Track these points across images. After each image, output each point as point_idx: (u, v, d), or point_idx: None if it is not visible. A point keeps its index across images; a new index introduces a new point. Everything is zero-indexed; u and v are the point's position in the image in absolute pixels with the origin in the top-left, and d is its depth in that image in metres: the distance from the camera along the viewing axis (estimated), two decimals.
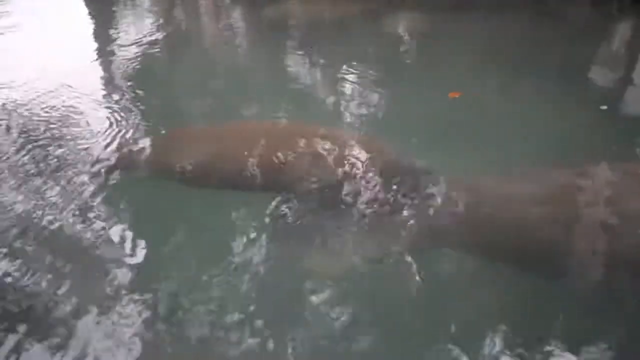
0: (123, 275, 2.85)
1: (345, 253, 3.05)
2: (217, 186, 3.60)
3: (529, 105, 4.83)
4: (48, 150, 4.07)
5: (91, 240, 3.13)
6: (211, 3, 9.85)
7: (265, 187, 3.53)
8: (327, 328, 2.56)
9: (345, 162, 3.60)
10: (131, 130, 4.40)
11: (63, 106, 4.90)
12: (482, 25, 7.71)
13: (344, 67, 5.93)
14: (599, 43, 7.05)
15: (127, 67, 6.18)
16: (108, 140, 4.22)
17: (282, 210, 3.33)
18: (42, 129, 4.45)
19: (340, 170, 3.54)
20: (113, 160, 3.92)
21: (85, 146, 4.15)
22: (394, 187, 3.41)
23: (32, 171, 3.81)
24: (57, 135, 4.35)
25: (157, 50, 7.00)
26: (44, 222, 3.25)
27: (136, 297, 2.71)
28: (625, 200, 3.01)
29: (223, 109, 5.10)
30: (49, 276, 2.85)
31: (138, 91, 5.36)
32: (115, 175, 3.77)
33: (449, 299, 2.75)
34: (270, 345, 2.46)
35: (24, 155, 4.01)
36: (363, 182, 3.47)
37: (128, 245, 3.09)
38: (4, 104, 4.99)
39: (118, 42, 7.32)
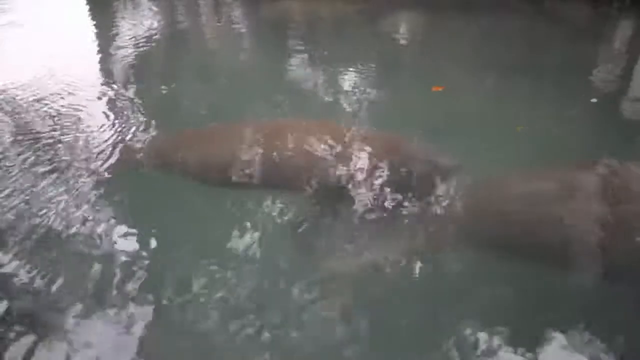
0: (128, 274, 2.82)
1: (364, 253, 3.00)
2: (232, 185, 3.54)
3: (526, 104, 4.84)
4: (49, 149, 4.05)
5: (94, 238, 3.11)
6: (211, 1, 9.84)
7: (282, 185, 3.49)
8: (338, 329, 2.53)
9: (367, 160, 3.53)
10: (133, 128, 4.39)
11: (62, 106, 4.88)
12: (480, 24, 7.72)
13: (343, 65, 5.94)
14: (598, 42, 7.07)
15: (127, 65, 6.17)
16: (107, 139, 4.20)
17: (301, 210, 3.31)
18: (42, 127, 4.43)
19: (360, 168, 3.48)
20: (115, 159, 3.89)
21: (86, 144, 4.13)
22: (418, 185, 3.37)
23: (33, 169, 3.79)
24: (57, 134, 4.33)
25: (156, 47, 7.00)
26: (43, 220, 3.23)
27: (146, 296, 2.69)
28: None
29: (223, 107, 5.09)
30: (51, 276, 2.83)
31: (137, 91, 5.35)
32: (119, 174, 3.75)
33: (470, 301, 2.70)
34: (281, 344, 2.45)
35: (24, 155, 4.00)
36: (384, 180, 3.41)
37: (137, 243, 3.07)
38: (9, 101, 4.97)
39: (117, 41, 7.31)
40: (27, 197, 3.45)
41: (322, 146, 3.60)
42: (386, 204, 3.27)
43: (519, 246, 2.85)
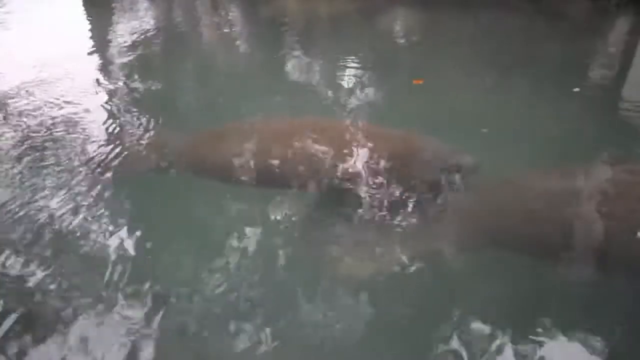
0: (135, 273, 2.83)
1: (383, 253, 2.98)
2: (249, 184, 3.53)
3: (523, 102, 4.84)
4: (43, 152, 4.05)
5: (95, 238, 3.11)
6: (208, 1, 9.82)
7: (303, 185, 3.46)
8: (351, 329, 2.53)
9: (386, 158, 3.50)
10: (134, 129, 4.38)
11: (61, 106, 4.88)
12: (478, 22, 7.72)
13: (343, 63, 5.94)
14: (597, 39, 7.07)
15: (126, 64, 6.16)
16: (107, 138, 4.22)
17: (318, 208, 3.30)
18: (42, 128, 4.43)
19: (378, 166, 3.45)
20: (114, 159, 3.89)
21: (85, 145, 4.14)
22: (438, 184, 3.34)
23: (28, 172, 3.79)
24: (57, 134, 4.33)
25: (153, 48, 6.99)
26: (45, 221, 3.23)
27: (150, 296, 2.69)
28: None
29: (223, 107, 5.08)
30: (55, 274, 2.84)
31: (136, 90, 5.35)
32: (121, 174, 3.75)
33: (486, 302, 2.68)
34: (295, 345, 2.45)
35: (23, 154, 4.00)
36: (402, 179, 3.39)
37: (145, 243, 3.07)
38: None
39: (117, 40, 7.29)
40: (29, 198, 3.45)
41: (342, 145, 3.58)
42: (405, 203, 3.25)
43: (546, 246, 2.82)
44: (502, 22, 7.62)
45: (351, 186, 3.37)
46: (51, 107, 4.82)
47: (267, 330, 2.50)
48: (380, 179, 3.38)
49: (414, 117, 4.57)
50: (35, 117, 4.65)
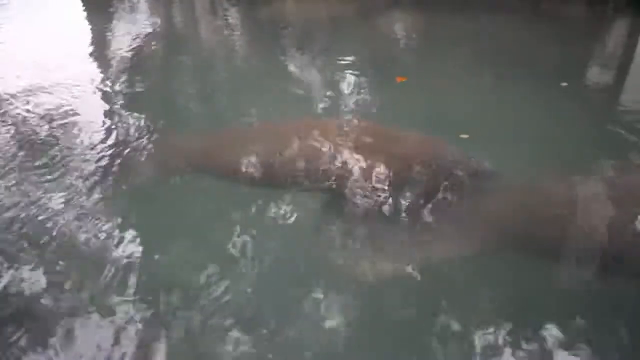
0: (137, 274, 2.83)
1: (403, 256, 2.96)
2: (266, 184, 3.55)
3: (522, 104, 4.85)
4: (42, 152, 4.05)
5: (97, 239, 3.10)
6: (207, 2, 9.82)
7: (321, 186, 3.47)
8: (363, 330, 2.53)
9: (404, 162, 3.50)
10: (132, 129, 4.38)
11: (61, 106, 4.88)
12: (477, 24, 7.74)
13: (342, 64, 5.94)
14: (594, 42, 7.10)
15: (126, 65, 6.16)
16: (107, 138, 4.22)
17: (335, 210, 3.30)
18: (42, 129, 4.43)
19: (397, 170, 3.44)
20: (114, 159, 3.89)
21: (85, 145, 4.13)
22: (456, 188, 3.34)
23: (28, 170, 3.79)
24: (56, 134, 4.33)
25: (152, 49, 6.98)
26: (44, 220, 3.23)
27: (159, 297, 2.69)
28: None
29: (223, 107, 5.09)
30: (55, 275, 2.84)
31: (135, 91, 5.35)
32: (121, 176, 3.75)
33: (503, 304, 2.68)
34: (296, 345, 2.45)
35: (23, 154, 4.00)
36: (421, 182, 3.40)
37: (145, 243, 3.06)
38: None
39: (117, 41, 7.29)
40: (31, 199, 3.45)
41: (358, 146, 3.58)
42: (425, 206, 3.24)
43: (572, 250, 2.82)
44: (500, 24, 7.65)
45: (371, 189, 3.36)
46: (51, 108, 4.82)
47: (271, 332, 2.49)
48: (397, 182, 3.37)
49: (414, 117, 4.58)
50: (35, 117, 4.64)
